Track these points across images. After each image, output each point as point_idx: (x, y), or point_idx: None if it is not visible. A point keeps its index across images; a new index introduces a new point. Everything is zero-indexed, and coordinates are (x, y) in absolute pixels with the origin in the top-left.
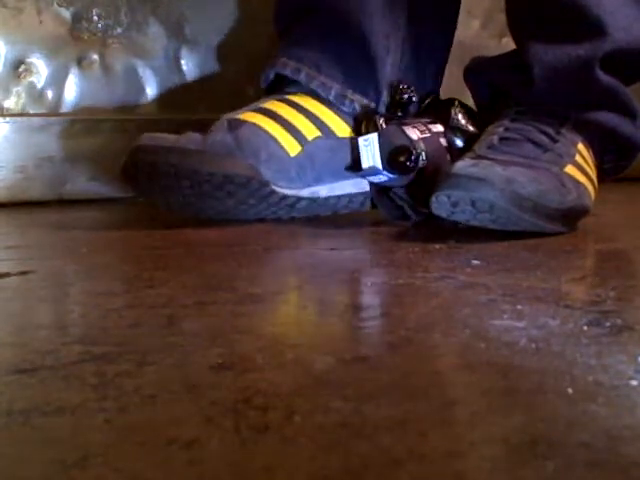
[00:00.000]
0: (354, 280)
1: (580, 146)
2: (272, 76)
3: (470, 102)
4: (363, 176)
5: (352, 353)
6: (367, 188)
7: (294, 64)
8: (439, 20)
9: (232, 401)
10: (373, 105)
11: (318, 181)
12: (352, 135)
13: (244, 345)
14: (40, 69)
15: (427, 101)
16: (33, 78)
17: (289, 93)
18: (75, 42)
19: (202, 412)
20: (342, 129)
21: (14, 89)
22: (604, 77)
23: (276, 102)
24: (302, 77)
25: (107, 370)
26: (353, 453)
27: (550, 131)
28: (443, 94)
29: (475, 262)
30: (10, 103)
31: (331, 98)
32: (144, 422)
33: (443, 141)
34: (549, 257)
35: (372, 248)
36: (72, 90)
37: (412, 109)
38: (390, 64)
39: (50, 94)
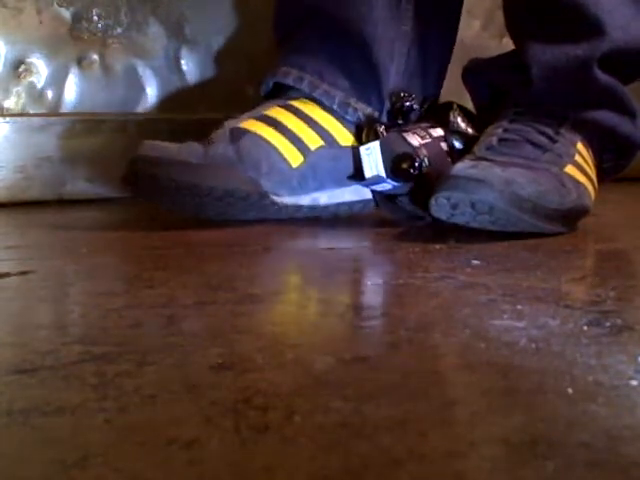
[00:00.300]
0: (354, 280)
1: (579, 146)
2: (272, 84)
3: (469, 104)
4: (366, 185)
5: (352, 353)
6: (367, 196)
7: (296, 72)
8: (443, 23)
9: (232, 401)
10: (377, 114)
11: (319, 189)
12: (355, 143)
13: (244, 345)
14: (40, 69)
15: (425, 106)
16: (33, 78)
17: (291, 98)
18: (75, 42)
19: (202, 412)
20: (345, 137)
21: (14, 89)
22: (602, 76)
23: (279, 109)
24: (305, 86)
25: (107, 370)
26: (353, 453)
27: (549, 131)
28: (443, 95)
29: (475, 262)
30: (10, 103)
31: (335, 107)
32: (144, 422)
33: (444, 145)
34: (549, 257)
35: (372, 248)
36: (72, 90)
37: (413, 116)
38: (394, 72)
39: (50, 94)
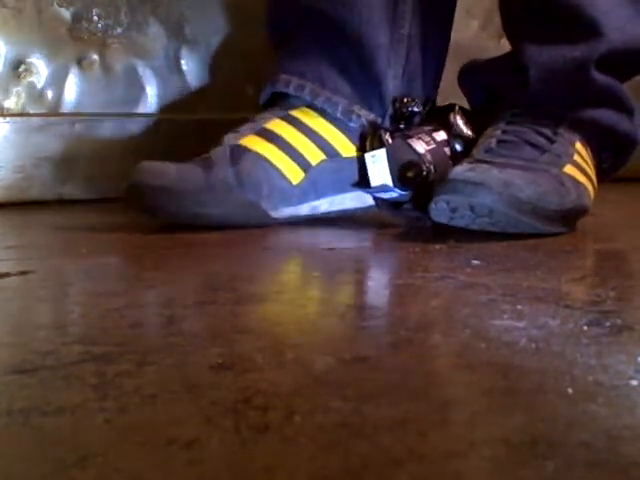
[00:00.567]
0: (354, 280)
1: (578, 145)
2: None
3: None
4: (372, 193)
5: (352, 353)
6: (368, 202)
7: (297, 80)
8: (439, 22)
9: (232, 401)
10: (379, 120)
11: (319, 198)
12: (357, 153)
13: (244, 345)
14: (40, 69)
15: (427, 108)
16: (33, 78)
17: (292, 107)
18: (75, 42)
19: (202, 412)
20: (347, 148)
21: (14, 89)
22: (600, 77)
23: (279, 121)
24: (306, 94)
25: (107, 370)
26: (353, 453)
27: (547, 132)
28: (440, 95)
29: (475, 262)
30: (10, 103)
31: (338, 114)
32: (144, 422)
33: (447, 150)
34: (549, 257)
35: (372, 248)
36: (72, 90)
37: (416, 120)
38: (393, 76)
39: (50, 94)
